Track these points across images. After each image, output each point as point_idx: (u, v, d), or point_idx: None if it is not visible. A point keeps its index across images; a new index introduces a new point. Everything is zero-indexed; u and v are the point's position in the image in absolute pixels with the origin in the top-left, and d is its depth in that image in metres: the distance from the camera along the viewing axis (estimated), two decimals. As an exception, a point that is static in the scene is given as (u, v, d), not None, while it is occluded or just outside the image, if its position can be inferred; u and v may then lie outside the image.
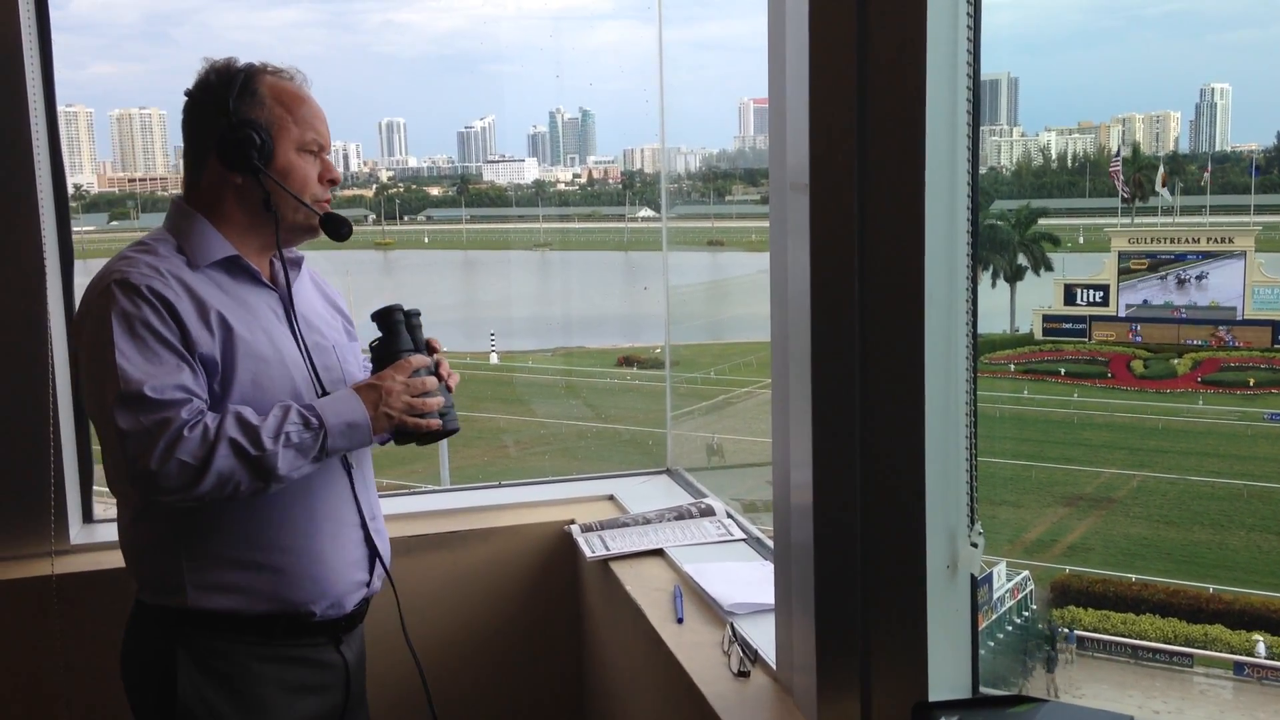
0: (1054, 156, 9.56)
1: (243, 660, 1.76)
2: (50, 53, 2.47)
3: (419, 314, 1.85)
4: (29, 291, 2.40)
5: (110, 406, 1.59)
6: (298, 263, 1.89)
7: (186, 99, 1.80)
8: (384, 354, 1.81)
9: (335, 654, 1.84)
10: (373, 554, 1.88)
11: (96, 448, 2.60)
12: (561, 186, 12.23)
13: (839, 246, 1.57)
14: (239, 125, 1.73)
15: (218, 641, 1.74)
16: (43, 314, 2.42)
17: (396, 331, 1.82)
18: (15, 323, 2.41)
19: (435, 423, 1.79)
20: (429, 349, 1.83)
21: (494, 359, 11.95)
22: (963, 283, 1.62)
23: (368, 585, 1.88)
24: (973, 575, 1.70)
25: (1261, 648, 8.55)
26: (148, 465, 1.56)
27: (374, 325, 1.83)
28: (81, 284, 2.51)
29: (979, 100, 1.62)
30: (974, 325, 1.66)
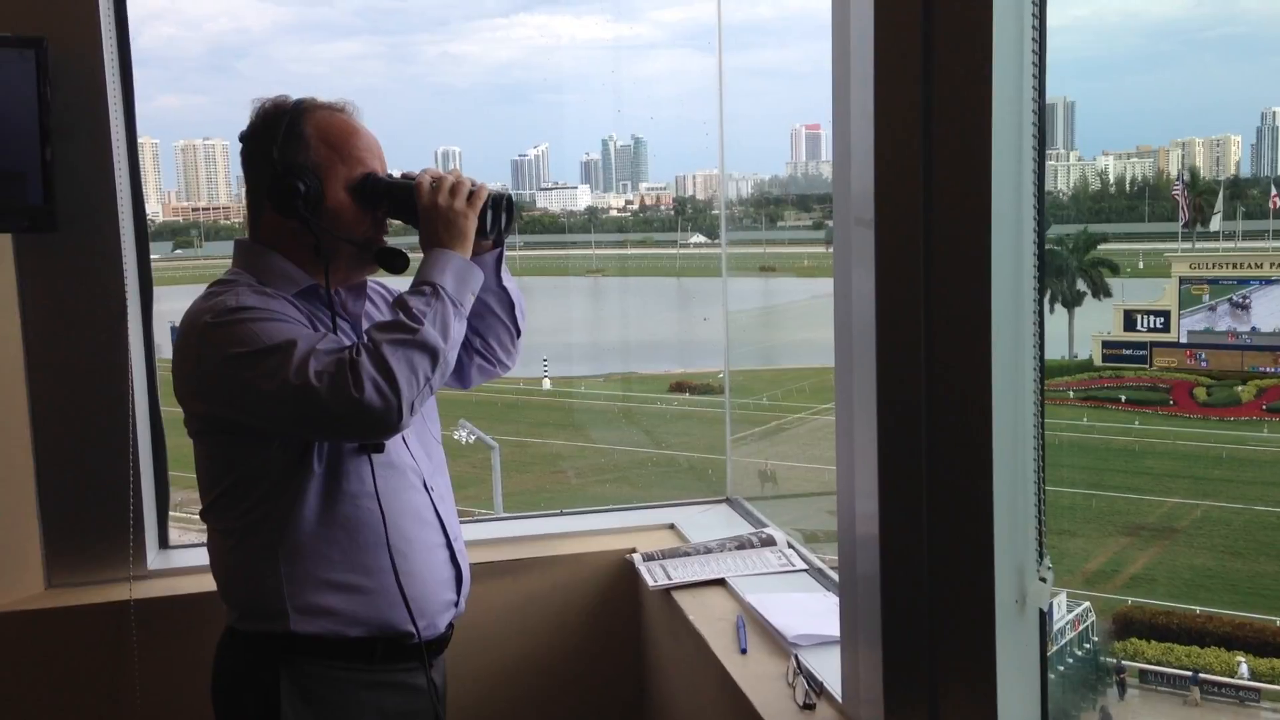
0: (1112, 181, 9.43)
1: (343, 687, 1.79)
2: (131, 87, 2.54)
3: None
4: (111, 321, 2.48)
5: (289, 371, 1.61)
6: (361, 288, 1.93)
7: (240, 144, 1.85)
8: (399, 204, 1.84)
9: (425, 679, 1.87)
10: (458, 574, 1.92)
11: (174, 473, 2.68)
12: (614, 213, 12.28)
13: (904, 280, 1.58)
14: (284, 173, 1.76)
15: (320, 667, 1.78)
16: (123, 343, 2.49)
17: (391, 188, 1.84)
18: (97, 352, 2.48)
19: (483, 188, 1.83)
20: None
21: (546, 385, 12.00)
22: (1029, 315, 1.62)
23: (455, 606, 1.92)
24: (1042, 610, 1.69)
25: (1245, 669, 8.33)
26: (352, 395, 1.60)
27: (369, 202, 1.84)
28: (163, 311, 2.60)
29: (1044, 128, 1.62)
30: (1041, 357, 1.65)
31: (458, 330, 1.74)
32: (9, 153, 2.28)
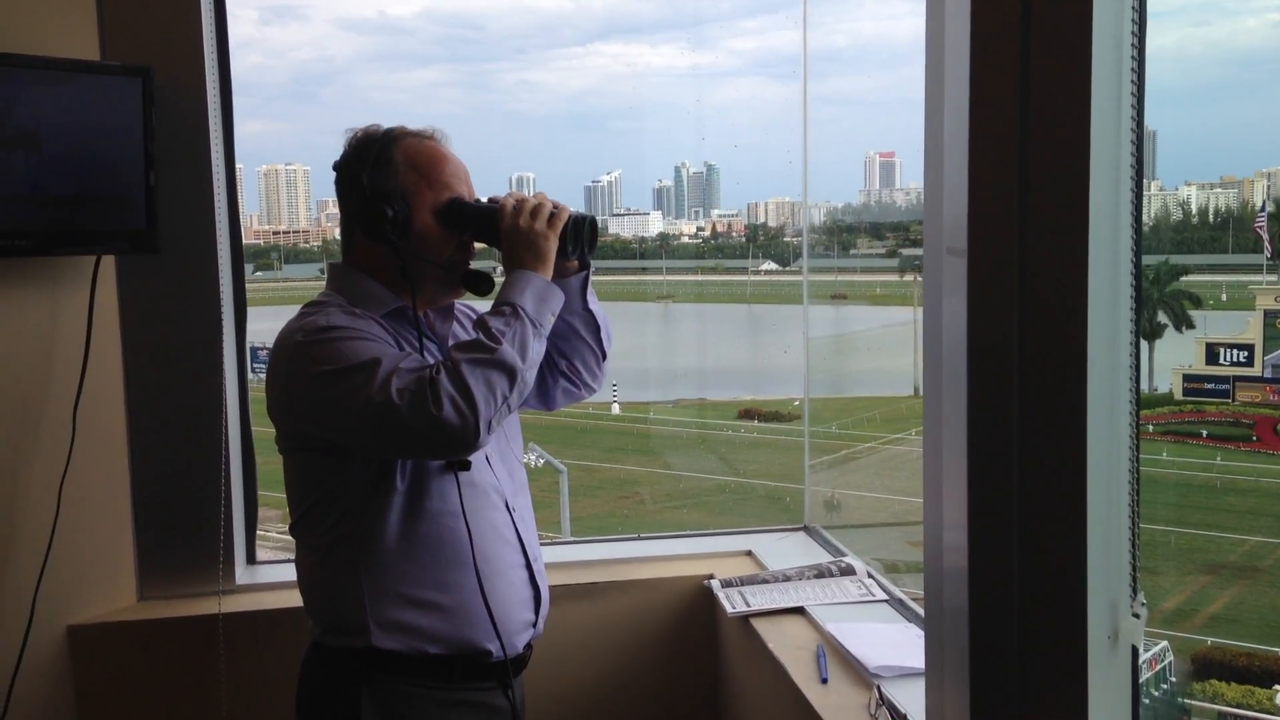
0: (1194, 211, 9.21)
1: (423, 705, 1.81)
2: (231, 114, 2.63)
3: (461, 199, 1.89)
4: (206, 341, 2.55)
5: (373, 388, 1.65)
6: (448, 310, 1.97)
7: (334, 172, 1.90)
8: (483, 227, 1.87)
9: (504, 699, 1.88)
10: (537, 595, 1.93)
11: (263, 492, 2.75)
12: (685, 239, 12.33)
13: (997, 310, 1.56)
14: (373, 199, 1.80)
15: (400, 684, 1.80)
16: (218, 362, 2.56)
17: (475, 212, 1.87)
18: (193, 371, 2.56)
19: (564, 209, 1.86)
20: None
21: (615, 410, 12.05)
22: (1125, 346, 1.60)
23: (534, 626, 1.93)
24: (1134, 647, 1.65)
25: None
26: (431, 412, 1.62)
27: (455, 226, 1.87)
28: (255, 331, 2.67)
29: (1142, 157, 1.60)
30: (1136, 390, 1.63)
31: (537, 350, 1.76)
32: (116, 178, 2.36)
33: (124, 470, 2.57)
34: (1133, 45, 1.52)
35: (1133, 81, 1.54)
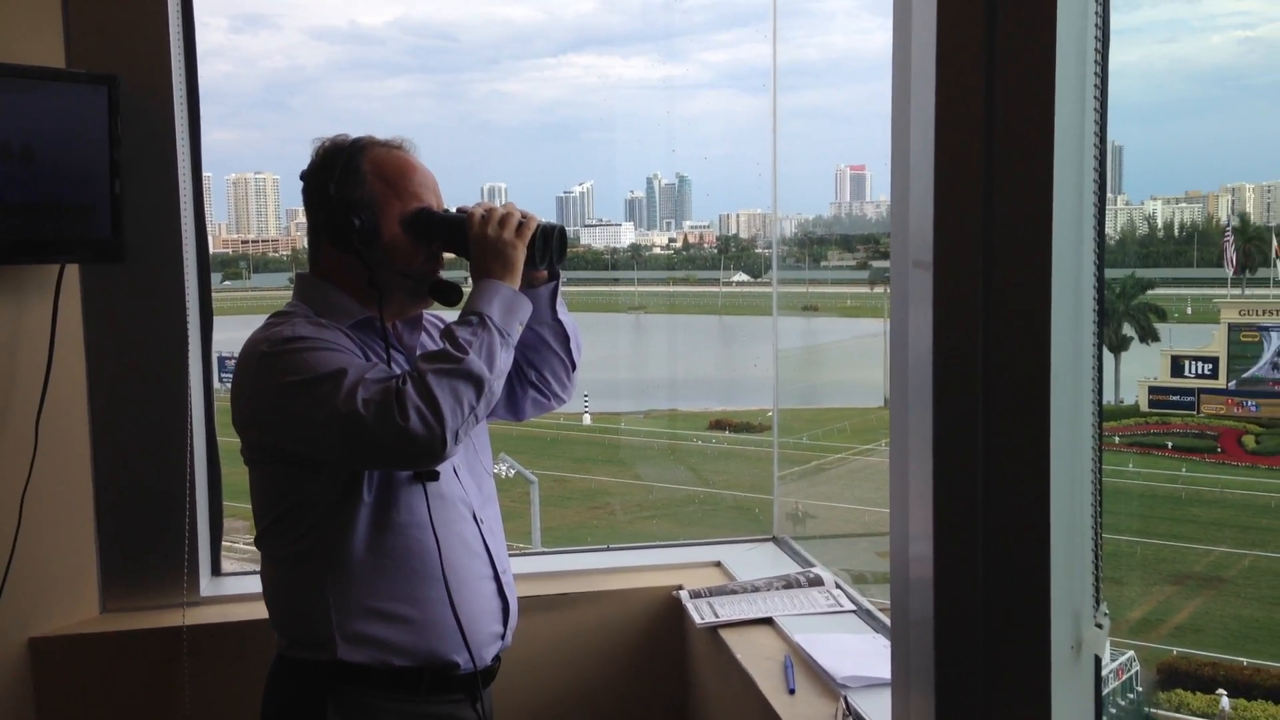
0: (1160, 225, 9.33)
1: (389, 717, 1.80)
2: (198, 123, 2.61)
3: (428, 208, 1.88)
4: (172, 351, 2.53)
5: (338, 399, 1.63)
6: (416, 320, 1.96)
7: (301, 182, 1.89)
8: (452, 237, 1.86)
9: (472, 711, 1.87)
10: (505, 607, 1.93)
11: (228, 503, 2.72)
12: (657, 250, 12.38)
13: (963, 322, 1.58)
14: (339, 209, 1.79)
15: (367, 697, 1.79)
16: (183, 373, 2.53)
17: (443, 222, 1.86)
18: (158, 381, 2.54)
19: (533, 218, 1.85)
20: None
21: (586, 420, 12.05)
22: (1089, 359, 1.61)
23: (502, 638, 1.93)
24: (1097, 656, 1.67)
25: (1225, 703, 8.13)
26: (398, 423, 1.61)
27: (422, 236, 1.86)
28: (222, 340, 2.65)
29: (1104, 171, 1.62)
30: (1099, 402, 1.64)
31: (504, 360, 1.75)
32: (80, 187, 2.34)
33: (87, 481, 2.54)
34: (1096, 60, 1.54)
35: (1096, 96, 1.56)
